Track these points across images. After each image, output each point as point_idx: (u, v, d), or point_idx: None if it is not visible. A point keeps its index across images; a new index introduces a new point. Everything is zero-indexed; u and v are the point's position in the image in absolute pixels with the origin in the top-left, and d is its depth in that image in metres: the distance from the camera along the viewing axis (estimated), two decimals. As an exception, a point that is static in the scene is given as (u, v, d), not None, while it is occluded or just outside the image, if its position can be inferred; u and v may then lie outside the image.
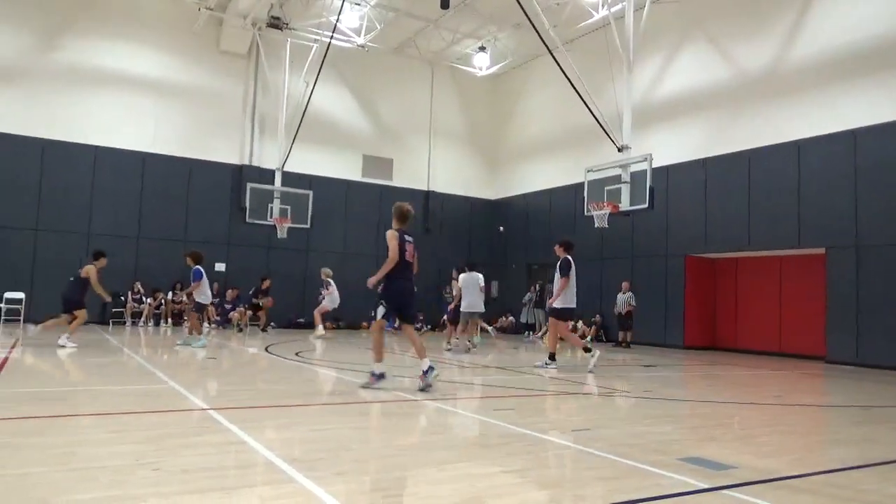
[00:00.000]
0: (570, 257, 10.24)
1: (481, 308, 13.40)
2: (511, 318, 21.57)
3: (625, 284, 16.90)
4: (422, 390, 6.81)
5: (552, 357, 10.20)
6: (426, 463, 3.95)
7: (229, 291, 18.55)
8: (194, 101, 19.60)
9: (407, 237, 7.08)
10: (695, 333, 16.80)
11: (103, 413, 5.21)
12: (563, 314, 10.27)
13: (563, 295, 10.10)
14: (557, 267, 10.23)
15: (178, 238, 18.88)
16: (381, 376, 6.97)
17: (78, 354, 9.73)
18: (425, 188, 23.18)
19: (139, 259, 18.48)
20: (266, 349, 12.06)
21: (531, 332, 19.20)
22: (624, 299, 16.71)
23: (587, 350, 10.13)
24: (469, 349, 13.02)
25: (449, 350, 12.93)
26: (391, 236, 6.95)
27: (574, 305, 10.36)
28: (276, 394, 6.98)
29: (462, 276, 13.38)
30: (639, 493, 3.40)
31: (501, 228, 23.05)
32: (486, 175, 24.55)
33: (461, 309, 13.06)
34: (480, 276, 13.44)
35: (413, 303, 7.32)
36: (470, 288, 13.08)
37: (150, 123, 18.91)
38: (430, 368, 6.87)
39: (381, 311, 7.02)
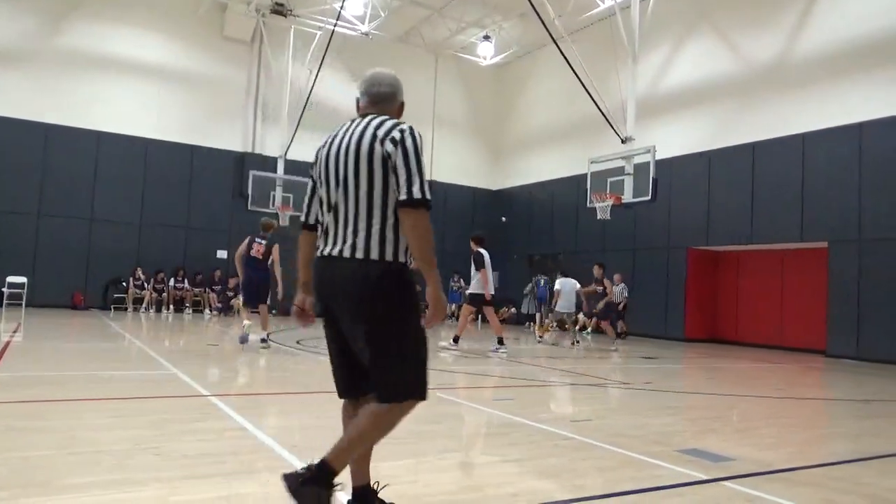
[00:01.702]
0: (481, 251, 10.86)
1: (572, 309, 14.45)
2: (513, 309, 21.55)
3: (617, 276, 16.84)
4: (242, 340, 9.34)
5: (500, 341, 10.77)
6: (426, 452, 3.96)
7: (231, 279, 18.56)
8: (198, 87, 19.54)
9: (258, 239, 9.48)
10: (696, 326, 16.80)
11: (105, 398, 5.23)
12: (475, 300, 10.98)
13: (477, 283, 10.85)
14: (472, 260, 10.94)
15: (180, 224, 18.90)
16: (264, 339, 9.46)
17: (79, 340, 9.74)
18: (427, 178, 23.07)
19: (141, 245, 18.51)
20: (268, 336, 12.04)
21: (532, 323, 19.20)
22: (618, 291, 16.67)
23: (455, 340, 10.79)
24: (576, 343, 14.06)
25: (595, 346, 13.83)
26: (244, 240, 9.69)
27: (485, 291, 10.91)
28: (276, 381, 7.00)
29: (558, 280, 14.40)
30: (637, 483, 3.41)
31: (504, 219, 23.01)
32: (489, 165, 24.48)
33: (557, 309, 14.15)
34: (574, 281, 14.41)
35: (254, 288, 9.58)
36: (564, 292, 14.12)
37: (153, 109, 18.87)
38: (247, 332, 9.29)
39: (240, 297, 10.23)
